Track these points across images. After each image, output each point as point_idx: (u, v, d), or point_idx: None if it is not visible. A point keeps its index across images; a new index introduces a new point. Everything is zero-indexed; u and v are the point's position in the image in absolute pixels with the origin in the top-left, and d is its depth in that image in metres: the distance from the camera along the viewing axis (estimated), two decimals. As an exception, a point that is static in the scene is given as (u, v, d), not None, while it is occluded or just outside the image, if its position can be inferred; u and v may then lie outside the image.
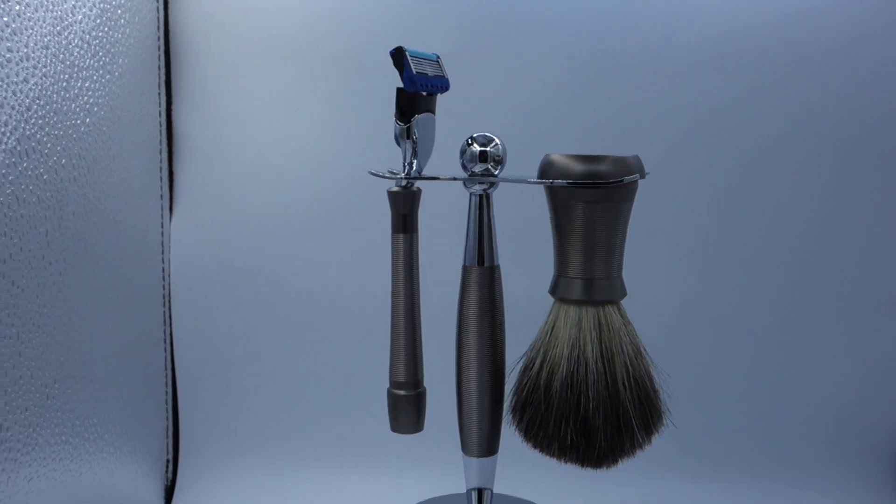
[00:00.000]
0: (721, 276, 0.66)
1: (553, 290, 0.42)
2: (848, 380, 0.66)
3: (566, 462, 0.42)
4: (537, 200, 0.44)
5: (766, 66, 0.63)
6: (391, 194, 0.45)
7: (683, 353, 0.66)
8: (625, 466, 0.53)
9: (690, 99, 0.64)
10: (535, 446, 0.43)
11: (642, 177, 0.41)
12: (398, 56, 0.42)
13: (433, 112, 0.45)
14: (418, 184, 0.45)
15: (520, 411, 0.43)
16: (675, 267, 0.66)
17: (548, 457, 0.43)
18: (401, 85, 0.43)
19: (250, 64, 0.65)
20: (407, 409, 0.45)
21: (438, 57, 0.46)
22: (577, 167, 0.40)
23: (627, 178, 0.40)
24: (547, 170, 0.41)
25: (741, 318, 0.66)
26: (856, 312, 0.65)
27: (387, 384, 0.46)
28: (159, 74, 0.63)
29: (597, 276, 0.40)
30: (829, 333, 0.66)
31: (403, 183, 0.44)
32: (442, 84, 0.45)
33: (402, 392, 0.45)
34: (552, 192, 0.41)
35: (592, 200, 0.39)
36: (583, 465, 0.42)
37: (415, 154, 0.44)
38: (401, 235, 0.44)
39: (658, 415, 0.41)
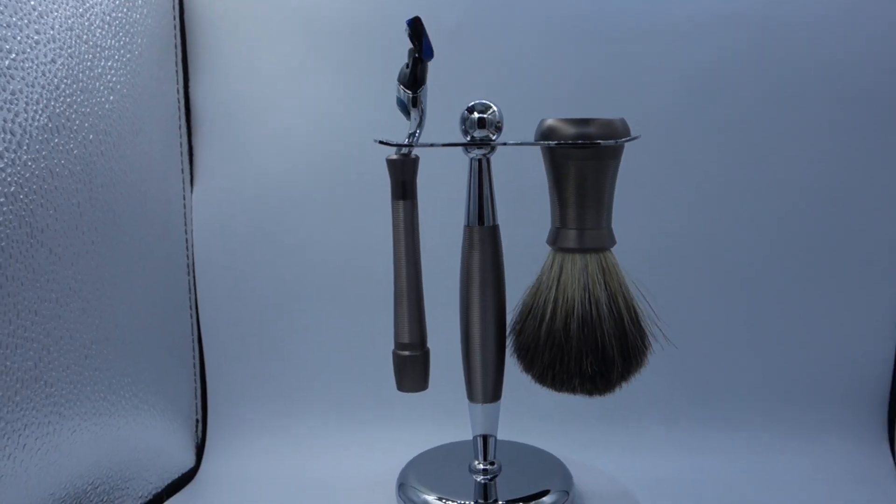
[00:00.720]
0: (719, 226, 0.67)
1: (554, 241, 0.45)
2: (840, 326, 0.68)
3: (580, 394, 0.45)
4: (529, 163, 0.47)
5: (760, 28, 0.65)
6: (391, 162, 0.46)
7: (683, 301, 0.68)
8: (617, 412, 0.57)
9: (686, 58, 0.66)
10: (551, 386, 0.46)
11: (629, 137, 0.44)
12: (417, 26, 0.44)
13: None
14: (416, 151, 0.47)
15: (539, 356, 0.46)
16: (677, 215, 0.68)
17: (563, 393, 0.46)
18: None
19: (261, 40, 0.68)
20: (412, 370, 0.46)
21: None
22: (570, 130, 0.43)
23: (621, 141, 0.43)
24: (546, 133, 0.44)
25: (738, 267, 0.68)
26: (850, 263, 0.67)
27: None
28: (176, 52, 0.66)
29: (592, 226, 0.44)
30: (822, 284, 0.67)
31: (405, 151, 0.46)
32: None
33: (406, 353, 0.46)
34: (549, 153, 0.44)
35: (583, 159, 0.43)
36: (594, 394, 0.45)
37: (422, 122, 0.46)
38: (400, 202, 0.45)
39: (647, 337, 0.46)
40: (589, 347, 0.44)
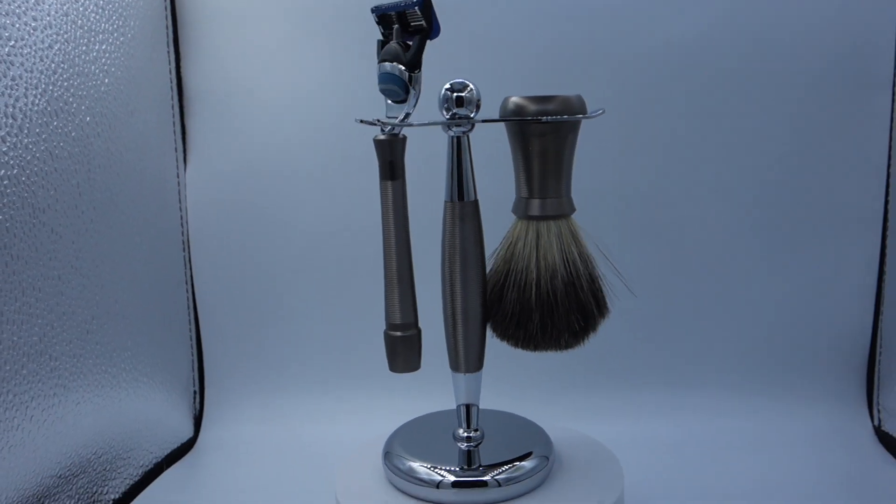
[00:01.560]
0: (700, 194, 0.69)
1: (524, 211, 0.48)
2: (820, 293, 0.70)
3: (565, 350, 0.48)
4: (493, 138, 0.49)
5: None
6: (378, 143, 0.45)
7: (669, 269, 0.70)
8: (601, 378, 0.59)
9: (655, 33, 0.67)
10: (536, 347, 0.49)
11: (599, 111, 0.47)
12: (429, 5, 0.44)
13: None
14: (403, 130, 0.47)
15: (529, 319, 0.48)
16: (659, 182, 0.69)
17: (550, 351, 0.49)
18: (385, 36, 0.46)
19: (251, 19, 0.69)
20: (404, 350, 0.46)
21: None
22: (532, 107, 0.46)
23: (590, 113, 0.47)
24: (513, 110, 0.47)
25: (723, 235, 0.70)
26: (829, 230, 0.69)
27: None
28: (167, 34, 0.67)
29: (559, 194, 0.48)
30: (803, 251, 0.69)
31: (394, 131, 0.45)
32: None
33: (398, 333, 0.46)
34: (513, 129, 0.47)
35: (543, 134, 0.46)
36: (575, 347, 0.49)
37: (416, 103, 0.46)
38: (389, 182, 0.45)
39: (604, 288, 0.50)
40: (573, 305, 0.48)
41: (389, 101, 0.46)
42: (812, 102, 0.67)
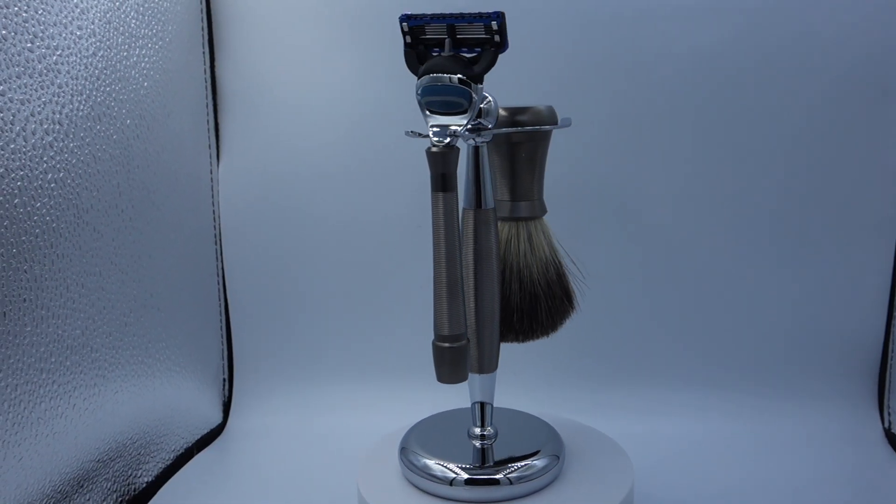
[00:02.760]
0: (720, 195, 0.70)
1: (518, 212, 0.52)
2: (835, 296, 0.70)
3: (549, 335, 0.53)
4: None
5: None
6: (432, 155, 0.43)
7: (682, 269, 0.71)
8: (614, 377, 0.61)
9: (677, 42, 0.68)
10: (544, 334, 0.53)
11: (556, 124, 0.50)
12: (503, 19, 0.43)
13: None
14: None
15: (540, 308, 0.52)
16: (682, 186, 0.71)
17: (550, 336, 0.53)
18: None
19: (284, 20, 0.71)
20: (452, 361, 0.44)
21: None
22: (509, 117, 0.49)
23: (563, 124, 0.51)
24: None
25: (738, 236, 0.71)
26: (844, 233, 0.69)
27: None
28: (203, 35, 0.69)
29: (538, 196, 0.52)
30: (818, 254, 0.70)
31: (450, 142, 0.43)
32: None
33: (446, 345, 0.44)
34: (496, 137, 0.50)
35: (521, 142, 0.50)
36: (554, 332, 0.54)
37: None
38: (441, 194, 0.43)
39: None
40: (563, 292, 0.53)
41: (428, 112, 0.44)
42: (828, 109, 0.68)
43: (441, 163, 0.43)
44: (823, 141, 0.68)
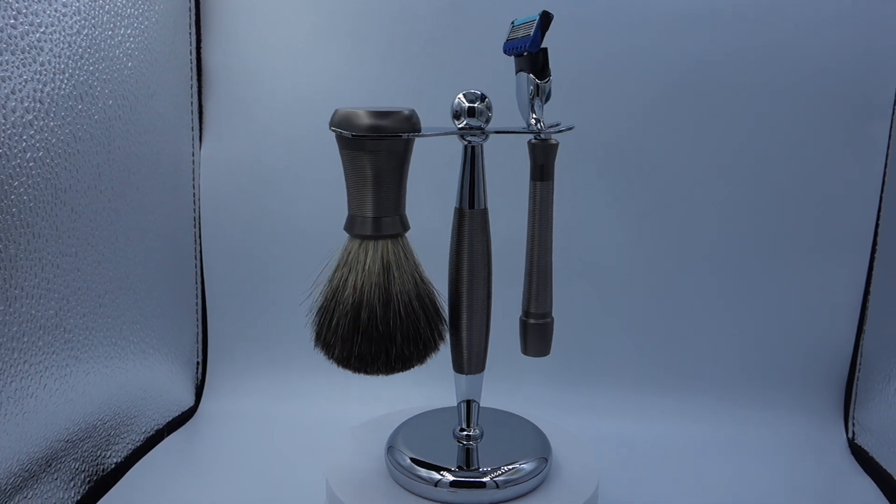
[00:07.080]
0: (691, 212, 0.71)
1: (378, 229, 0.48)
2: (804, 309, 0.71)
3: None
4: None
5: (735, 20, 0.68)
6: (532, 146, 0.47)
7: (660, 283, 0.72)
8: (596, 381, 0.61)
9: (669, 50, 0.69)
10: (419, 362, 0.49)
11: (416, 131, 0.46)
12: (549, 19, 0.47)
13: None
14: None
15: (395, 332, 0.47)
16: (650, 200, 0.71)
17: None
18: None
19: (274, 6, 0.70)
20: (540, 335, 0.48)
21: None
22: (366, 121, 0.45)
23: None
24: (342, 122, 0.46)
25: (712, 252, 0.72)
26: (813, 249, 0.70)
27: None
28: (190, 17, 0.69)
29: (401, 212, 0.48)
30: (788, 269, 0.71)
31: (544, 136, 0.47)
32: None
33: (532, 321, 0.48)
34: (345, 143, 0.47)
35: (377, 151, 0.46)
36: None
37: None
38: (537, 183, 0.47)
39: None
40: (428, 314, 0.48)
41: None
42: (810, 125, 0.68)
43: (541, 154, 0.47)
44: (803, 159, 0.69)
